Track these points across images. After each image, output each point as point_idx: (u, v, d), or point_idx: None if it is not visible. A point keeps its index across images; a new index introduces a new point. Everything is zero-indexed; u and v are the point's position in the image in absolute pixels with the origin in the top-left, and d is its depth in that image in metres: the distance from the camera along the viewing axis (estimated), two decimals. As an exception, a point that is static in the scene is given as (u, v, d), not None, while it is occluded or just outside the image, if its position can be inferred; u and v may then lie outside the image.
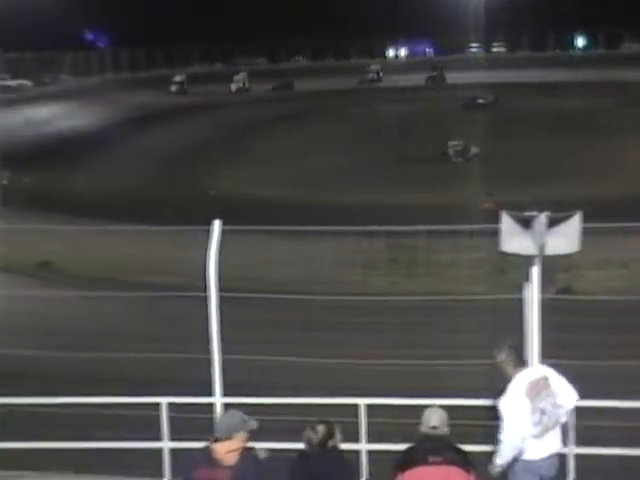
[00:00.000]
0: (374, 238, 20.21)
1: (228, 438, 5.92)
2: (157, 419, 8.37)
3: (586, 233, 7.89)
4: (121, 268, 23.90)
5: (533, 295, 7.81)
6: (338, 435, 6.46)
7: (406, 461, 6.11)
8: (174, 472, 8.26)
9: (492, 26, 72.76)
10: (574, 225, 7.84)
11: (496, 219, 7.78)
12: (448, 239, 19.72)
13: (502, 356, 6.83)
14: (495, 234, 7.75)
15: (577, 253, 8.22)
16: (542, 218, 7.62)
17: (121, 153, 49.74)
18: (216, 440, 5.95)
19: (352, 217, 22.45)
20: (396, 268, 22.67)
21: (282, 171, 43.15)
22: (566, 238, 7.85)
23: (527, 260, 7.77)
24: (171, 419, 8.37)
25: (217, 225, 8.18)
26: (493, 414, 6.92)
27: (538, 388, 6.73)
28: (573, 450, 7.95)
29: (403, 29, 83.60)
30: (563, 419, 6.92)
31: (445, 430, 6.23)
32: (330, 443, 6.39)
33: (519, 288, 8.02)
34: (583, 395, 6.96)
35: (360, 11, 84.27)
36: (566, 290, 18.87)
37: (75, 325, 17.90)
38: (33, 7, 62.83)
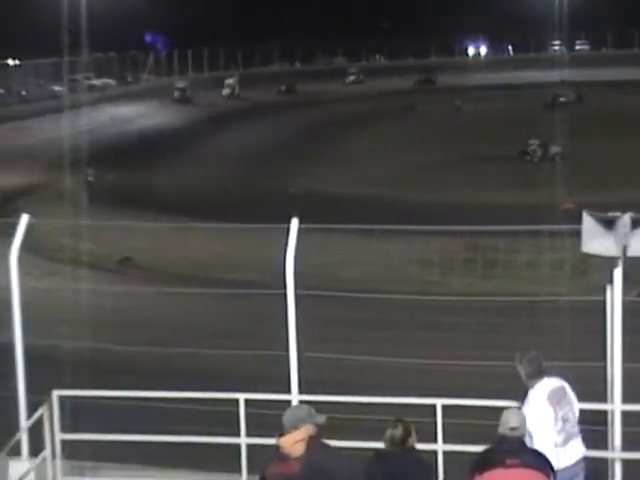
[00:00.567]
0: (453, 238, 20.11)
1: (295, 429, 5.83)
2: (235, 415, 8.44)
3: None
4: (203, 265, 24.22)
5: (615, 297, 7.68)
6: (414, 435, 6.45)
7: (484, 463, 6.05)
8: (251, 468, 8.32)
9: (575, 24, 71.51)
10: (659, 227, 7.65)
11: (577, 220, 7.66)
12: (528, 239, 19.46)
13: (520, 367, 6.84)
14: (577, 235, 7.62)
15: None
16: (625, 219, 7.43)
17: (202, 151, 50.36)
18: (281, 435, 5.90)
19: (434, 216, 22.41)
20: (474, 268, 22.50)
21: (363, 169, 43.17)
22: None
23: (609, 262, 7.64)
24: (248, 415, 8.42)
25: (295, 223, 8.22)
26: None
27: (559, 397, 6.79)
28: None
29: (484, 27, 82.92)
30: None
31: (524, 432, 6.17)
32: (409, 442, 6.38)
33: (601, 290, 7.89)
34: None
35: (440, 9, 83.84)
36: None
37: (159, 321, 18.24)
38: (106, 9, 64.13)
